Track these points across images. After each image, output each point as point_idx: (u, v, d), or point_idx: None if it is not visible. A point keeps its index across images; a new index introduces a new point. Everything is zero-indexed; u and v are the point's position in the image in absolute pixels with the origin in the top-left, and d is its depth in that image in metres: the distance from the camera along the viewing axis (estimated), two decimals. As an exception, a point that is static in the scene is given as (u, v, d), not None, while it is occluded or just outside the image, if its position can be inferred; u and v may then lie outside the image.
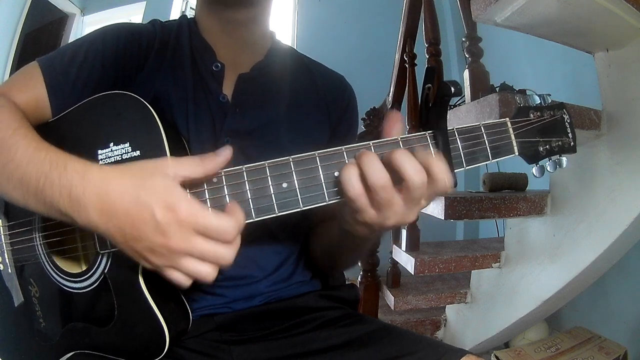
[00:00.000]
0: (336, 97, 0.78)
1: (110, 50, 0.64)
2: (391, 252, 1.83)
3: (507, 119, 0.52)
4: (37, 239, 0.61)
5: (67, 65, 0.62)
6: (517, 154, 0.51)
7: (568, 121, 0.54)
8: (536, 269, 1.49)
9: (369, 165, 0.45)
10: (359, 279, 1.84)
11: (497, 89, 1.43)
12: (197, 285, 0.49)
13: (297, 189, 0.48)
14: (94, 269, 0.56)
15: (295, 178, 0.48)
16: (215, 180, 0.48)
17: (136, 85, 0.65)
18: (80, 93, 0.61)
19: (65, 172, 0.46)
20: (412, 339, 0.64)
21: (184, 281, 0.46)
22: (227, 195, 0.48)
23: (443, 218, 1.40)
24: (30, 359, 0.65)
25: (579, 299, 1.67)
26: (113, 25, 0.67)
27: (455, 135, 0.50)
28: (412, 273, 1.59)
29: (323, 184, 0.48)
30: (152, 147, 0.53)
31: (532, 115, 0.52)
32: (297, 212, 0.48)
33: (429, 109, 0.50)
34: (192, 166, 0.46)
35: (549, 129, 0.53)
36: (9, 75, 2.83)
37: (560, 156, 0.53)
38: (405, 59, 1.83)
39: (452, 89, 0.47)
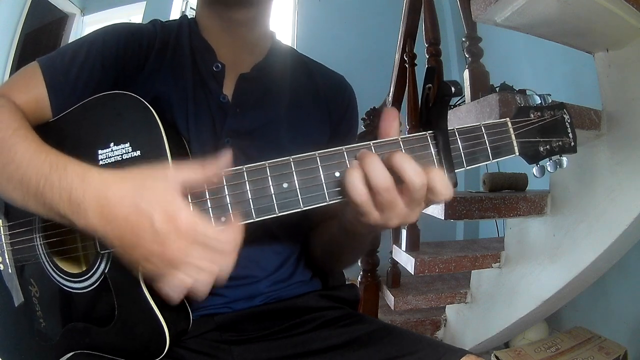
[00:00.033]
0: (336, 97, 0.78)
1: (111, 50, 0.64)
2: (391, 252, 1.84)
3: (508, 119, 0.52)
4: (38, 239, 0.61)
5: (68, 65, 0.62)
6: (517, 154, 0.51)
7: (568, 121, 0.54)
8: (536, 269, 1.49)
9: (371, 166, 0.45)
10: (359, 279, 1.84)
11: (497, 89, 1.43)
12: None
13: (298, 189, 0.48)
14: (94, 269, 0.56)
15: (295, 178, 0.48)
16: (215, 180, 0.48)
17: (137, 85, 0.65)
18: (81, 93, 0.61)
19: (65, 174, 0.46)
20: (412, 339, 0.64)
21: (176, 295, 0.45)
22: (227, 196, 0.48)
23: (443, 218, 1.40)
24: (30, 359, 0.65)
25: (579, 299, 1.67)
26: (113, 25, 0.67)
27: (456, 135, 0.50)
28: (412, 273, 1.59)
29: (324, 184, 0.48)
30: (153, 147, 0.53)
31: (532, 115, 0.52)
32: (298, 212, 0.48)
33: (429, 109, 0.50)
34: (193, 171, 0.46)
35: (550, 129, 0.53)
36: (9, 76, 2.84)
37: (560, 156, 0.53)
38: (405, 59, 1.83)
39: (453, 89, 0.47)
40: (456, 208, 1.41)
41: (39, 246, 0.61)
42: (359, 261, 1.79)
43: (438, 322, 1.93)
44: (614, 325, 1.74)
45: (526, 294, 1.52)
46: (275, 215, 0.48)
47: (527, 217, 1.51)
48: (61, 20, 3.45)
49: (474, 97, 1.40)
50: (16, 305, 0.64)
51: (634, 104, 1.20)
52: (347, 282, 0.82)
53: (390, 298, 1.77)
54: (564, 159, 0.53)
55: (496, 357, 1.61)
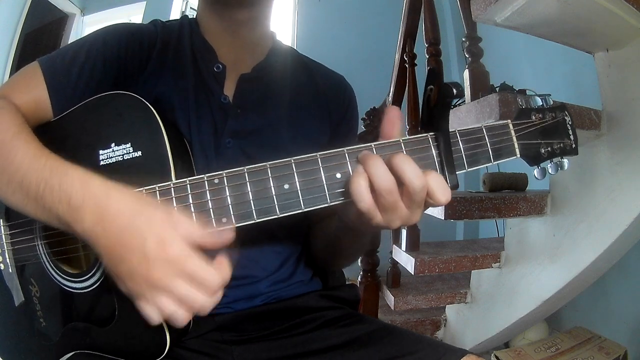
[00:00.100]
0: (336, 97, 0.78)
1: (112, 51, 0.64)
2: (391, 252, 1.84)
3: (509, 120, 0.52)
4: (38, 239, 0.61)
5: (69, 66, 0.62)
6: (518, 156, 0.51)
7: (569, 123, 0.53)
8: (536, 269, 1.49)
9: (374, 168, 0.45)
10: (359, 279, 1.84)
11: (497, 89, 1.43)
12: None
13: (299, 191, 0.48)
14: (94, 269, 0.56)
15: (297, 179, 0.48)
16: (216, 181, 0.48)
17: (137, 85, 0.65)
18: (82, 93, 0.61)
19: (65, 179, 0.46)
20: (412, 339, 0.64)
21: (155, 317, 0.45)
22: (228, 197, 0.48)
23: (443, 218, 1.40)
24: (30, 358, 0.65)
25: (579, 299, 1.67)
26: (114, 26, 0.67)
27: (457, 137, 0.50)
28: (412, 273, 1.59)
29: (325, 185, 0.48)
30: (154, 148, 0.53)
31: (534, 117, 0.52)
32: (299, 213, 0.48)
33: (430, 111, 0.50)
34: (192, 226, 0.45)
35: (551, 130, 0.52)
36: (9, 76, 2.84)
37: (561, 158, 0.53)
38: (405, 59, 1.83)
39: (454, 90, 0.47)
40: (456, 208, 1.41)
41: (40, 246, 0.61)
42: (359, 261, 1.79)
43: (438, 322, 1.93)
44: (614, 325, 1.74)
45: (526, 294, 1.52)
46: (276, 217, 0.48)
47: (527, 217, 1.51)
48: (61, 20, 3.45)
49: (474, 97, 1.40)
50: (16, 305, 0.65)
51: (634, 104, 1.20)
52: (347, 282, 0.82)
53: (390, 298, 1.77)
54: (565, 161, 0.53)
55: (496, 357, 1.61)
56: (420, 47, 1.75)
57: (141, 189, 0.49)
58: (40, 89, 0.60)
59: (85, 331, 0.58)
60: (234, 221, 0.48)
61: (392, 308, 1.76)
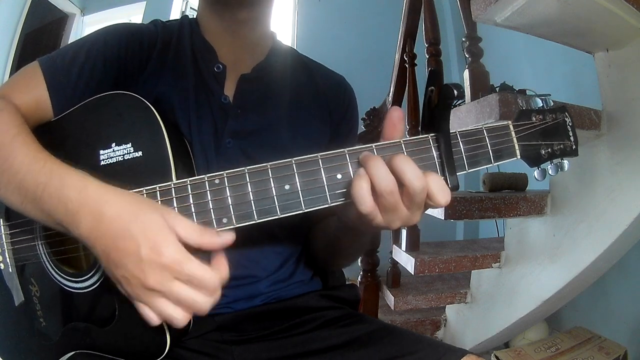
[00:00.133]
0: (337, 97, 0.78)
1: (112, 51, 0.64)
2: (391, 252, 1.84)
3: (510, 122, 0.52)
4: (38, 239, 0.61)
5: (69, 66, 0.62)
6: (519, 157, 0.51)
7: (570, 124, 0.53)
8: (536, 269, 1.49)
9: (375, 169, 0.45)
10: (359, 279, 1.84)
11: (497, 89, 1.43)
12: None
13: (300, 191, 0.48)
14: (94, 269, 0.56)
15: (297, 180, 0.48)
16: (217, 181, 0.48)
17: (137, 85, 0.65)
18: (82, 93, 0.61)
19: (62, 184, 0.47)
20: (412, 339, 0.64)
21: (153, 319, 0.45)
22: (229, 197, 0.48)
23: (443, 218, 1.40)
24: (30, 358, 0.65)
25: (579, 299, 1.67)
26: (114, 26, 0.67)
27: (458, 138, 0.50)
28: (412, 273, 1.59)
29: (325, 186, 0.48)
30: (154, 148, 0.53)
31: (534, 118, 0.52)
32: (299, 214, 0.48)
33: (431, 112, 0.50)
34: (191, 227, 0.45)
35: (551, 132, 0.52)
36: (9, 76, 2.83)
37: (562, 159, 0.53)
38: (405, 59, 1.83)
39: (455, 92, 0.47)
40: (456, 208, 1.41)
41: (40, 245, 0.61)
42: (359, 261, 1.79)
43: (438, 322, 1.93)
44: (614, 325, 1.74)
45: (526, 294, 1.52)
46: (277, 217, 0.48)
47: (527, 217, 1.51)
48: (61, 20, 3.45)
49: (474, 97, 1.40)
50: (16, 305, 0.65)
51: (634, 104, 1.20)
52: (347, 282, 0.82)
53: (390, 298, 1.77)
54: (565, 162, 0.53)
55: (496, 357, 1.61)
56: (420, 47, 1.75)
57: (142, 189, 0.49)
58: (40, 88, 0.60)
59: (85, 331, 0.58)
60: (234, 221, 0.48)
61: (392, 308, 1.76)
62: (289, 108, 0.72)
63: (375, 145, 0.48)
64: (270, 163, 0.48)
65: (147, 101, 0.55)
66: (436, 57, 1.68)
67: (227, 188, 0.48)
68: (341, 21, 3.50)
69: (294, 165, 0.48)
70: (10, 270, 0.65)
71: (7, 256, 0.65)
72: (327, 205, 0.48)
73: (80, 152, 0.55)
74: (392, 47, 2.00)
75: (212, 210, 0.48)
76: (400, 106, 1.87)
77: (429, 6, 1.71)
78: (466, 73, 1.49)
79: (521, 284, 1.54)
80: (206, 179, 0.48)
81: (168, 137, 0.53)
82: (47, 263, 0.61)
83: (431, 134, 0.49)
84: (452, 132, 0.49)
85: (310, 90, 0.76)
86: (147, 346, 0.55)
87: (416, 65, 1.81)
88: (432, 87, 0.50)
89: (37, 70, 0.61)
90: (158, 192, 0.49)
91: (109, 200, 0.45)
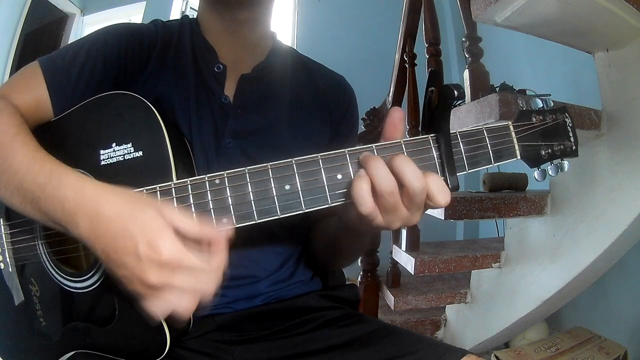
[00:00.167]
0: (337, 97, 0.78)
1: (112, 50, 0.64)
2: (391, 252, 1.84)
3: (510, 122, 0.52)
4: (38, 238, 0.61)
5: (69, 65, 0.62)
6: (519, 157, 0.51)
7: (570, 125, 0.53)
8: (536, 269, 1.49)
9: (375, 170, 0.45)
10: (359, 279, 1.84)
11: (497, 89, 1.43)
12: None
13: (300, 192, 0.48)
14: (95, 269, 0.56)
15: (298, 180, 0.48)
16: (217, 181, 0.48)
17: (137, 85, 0.65)
18: (82, 93, 0.61)
19: (59, 185, 0.47)
20: (412, 339, 0.64)
21: (158, 314, 0.45)
22: (229, 197, 0.48)
23: (443, 218, 1.40)
24: (30, 358, 0.65)
25: (579, 299, 1.67)
26: (115, 26, 0.67)
27: (458, 139, 0.50)
28: (412, 273, 1.59)
29: (326, 186, 0.48)
30: (155, 148, 0.53)
31: (534, 119, 0.52)
32: (300, 214, 0.48)
33: (431, 112, 0.50)
34: (188, 220, 0.45)
35: (551, 132, 0.52)
36: (9, 76, 2.83)
37: (562, 160, 0.53)
38: (405, 59, 1.83)
39: (455, 92, 0.47)
40: (456, 208, 1.41)
41: (40, 245, 0.61)
42: (359, 261, 1.79)
43: (438, 322, 1.93)
44: (614, 325, 1.74)
45: (526, 294, 1.52)
46: (277, 217, 0.48)
47: (527, 217, 1.51)
48: (61, 20, 3.45)
49: (474, 97, 1.40)
50: (16, 304, 0.65)
51: (634, 104, 1.20)
52: (347, 282, 0.82)
53: (390, 298, 1.77)
54: (565, 163, 0.53)
55: (496, 357, 1.61)
56: (420, 47, 1.75)
57: (142, 189, 0.49)
58: (40, 88, 0.60)
59: (85, 331, 0.58)
60: (234, 221, 0.48)
61: (392, 308, 1.76)
62: (289, 108, 0.72)
63: (375, 146, 0.48)
64: (270, 163, 0.48)
65: (147, 101, 0.55)
66: (436, 57, 1.68)
67: (227, 188, 0.48)
68: (341, 21, 3.50)
69: (294, 165, 0.48)
70: (10, 270, 0.65)
71: (7, 256, 0.65)
72: (327, 206, 0.48)
73: (81, 152, 0.55)
74: (392, 47, 2.00)
75: (212, 210, 0.48)
76: (400, 106, 1.88)
77: (429, 6, 1.71)
78: (466, 73, 1.49)
79: (521, 284, 1.54)
80: (206, 179, 0.48)
81: (168, 137, 0.53)
82: (47, 263, 0.61)
83: (431, 135, 0.49)
84: (452, 133, 0.49)
85: (311, 90, 0.76)
86: (147, 346, 0.55)
87: (416, 65, 1.81)
88: (433, 88, 0.50)
89: (37, 70, 0.61)
90: (158, 192, 0.49)
91: (106, 201, 0.45)
